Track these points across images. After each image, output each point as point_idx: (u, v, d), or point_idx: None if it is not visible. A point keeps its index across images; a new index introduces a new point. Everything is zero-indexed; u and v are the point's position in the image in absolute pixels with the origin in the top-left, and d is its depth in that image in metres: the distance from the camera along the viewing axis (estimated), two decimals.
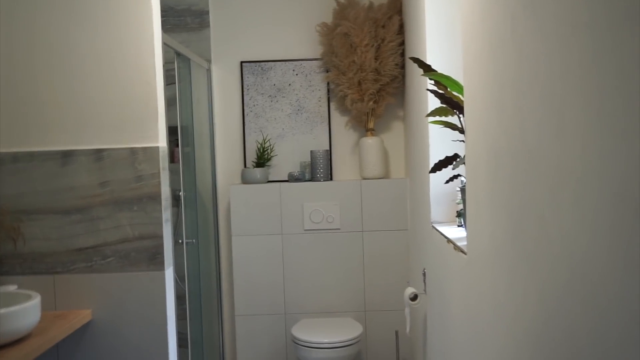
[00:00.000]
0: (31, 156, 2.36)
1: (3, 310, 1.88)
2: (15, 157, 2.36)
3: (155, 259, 2.36)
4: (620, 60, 0.78)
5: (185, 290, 3.12)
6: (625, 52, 0.77)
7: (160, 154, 2.38)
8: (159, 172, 2.36)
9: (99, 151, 2.36)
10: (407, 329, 3.20)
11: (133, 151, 2.36)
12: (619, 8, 0.79)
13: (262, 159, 3.74)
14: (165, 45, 2.63)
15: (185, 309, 3.11)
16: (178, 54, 3.19)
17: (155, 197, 2.36)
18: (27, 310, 1.96)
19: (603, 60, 0.84)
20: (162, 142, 2.41)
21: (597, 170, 0.87)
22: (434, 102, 2.43)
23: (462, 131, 2.09)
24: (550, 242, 1.08)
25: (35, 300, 2.02)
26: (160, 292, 2.37)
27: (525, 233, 1.23)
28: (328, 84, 3.80)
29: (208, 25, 3.78)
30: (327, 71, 3.76)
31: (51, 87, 2.36)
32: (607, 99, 0.83)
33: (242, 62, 3.82)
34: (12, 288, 2.20)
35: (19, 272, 2.35)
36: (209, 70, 3.79)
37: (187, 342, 3.12)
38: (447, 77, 2.05)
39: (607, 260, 0.84)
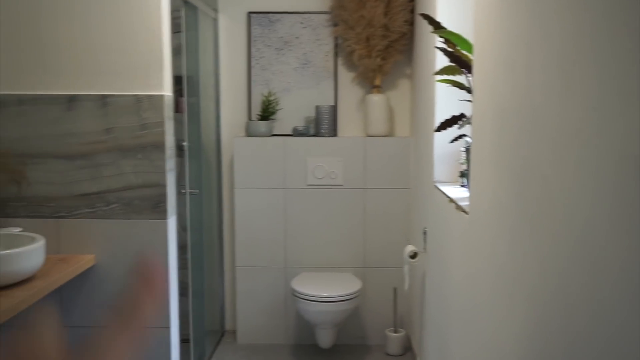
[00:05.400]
0: (36, 99, 2.35)
1: (8, 251, 1.91)
2: (20, 100, 2.35)
3: (158, 207, 2.38)
4: (631, 23, 0.77)
5: (187, 240, 3.15)
6: (636, 17, 0.75)
7: (165, 102, 2.37)
8: (163, 121, 2.36)
9: (104, 97, 2.35)
10: (406, 286, 3.24)
11: (138, 99, 2.35)
12: None
13: (267, 112, 3.73)
14: None
15: (187, 258, 3.14)
16: (185, 2, 3.14)
17: (159, 146, 2.36)
18: (31, 252, 1.98)
19: (614, 22, 0.83)
20: (167, 90, 2.40)
21: (601, 131, 0.87)
22: (442, 61, 2.40)
23: (469, 90, 2.08)
24: (553, 202, 1.08)
25: (40, 243, 2.04)
26: (163, 240, 2.40)
27: (528, 193, 1.24)
28: (336, 38, 3.75)
29: None
30: (336, 25, 3.71)
31: (55, 31, 2.34)
32: (616, 60, 0.82)
33: (249, 13, 3.76)
34: (16, 230, 2.22)
35: (23, 214, 2.37)
36: (215, 20, 3.74)
37: (188, 291, 3.16)
38: (457, 35, 2.03)
39: (608, 221, 0.85)
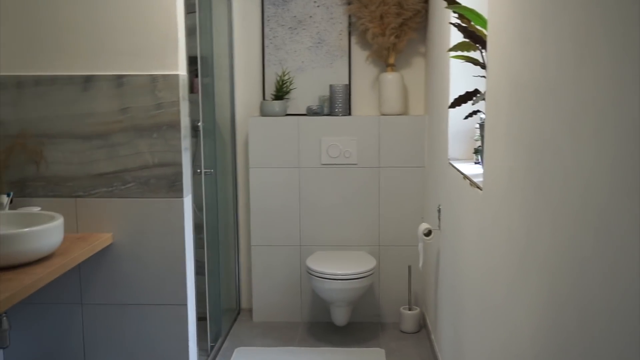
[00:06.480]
0: (53, 80, 2.37)
1: (28, 229, 1.94)
2: (37, 81, 2.38)
3: (174, 186, 2.40)
4: None
5: (202, 220, 3.17)
6: None
7: (180, 82, 2.38)
8: (178, 101, 2.37)
9: (120, 77, 2.37)
10: (420, 264, 3.25)
11: (153, 78, 2.36)
12: None
13: (281, 92, 3.73)
14: None
15: (203, 238, 3.17)
16: None
17: (175, 125, 2.38)
18: (50, 230, 2.01)
19: None
20: (182, 70, 2.41)
21: (617, 101, 0.87)
22: (456, 37, 2.39)
23: (483, 66, 2.07)
24: (566, 174, 1.09)
25: (58, 221, 2.08)
26: (179, 219, 2.42)
27: (542, 166, 1.24)
28: (349, 17, 3.73)
29: None
30: (349, 3, 3.69)
31: (71, 12, 2.35)
32: (629, 30, 0.82)
33: None
34: (35, 209, 2.26)
35: (42, 194, 2.41)
36: (229, 0, 3.73)
37: (204, 270, 3.20)
38: (471, 10, 2.01)
39: (625, 193, 0.85)
